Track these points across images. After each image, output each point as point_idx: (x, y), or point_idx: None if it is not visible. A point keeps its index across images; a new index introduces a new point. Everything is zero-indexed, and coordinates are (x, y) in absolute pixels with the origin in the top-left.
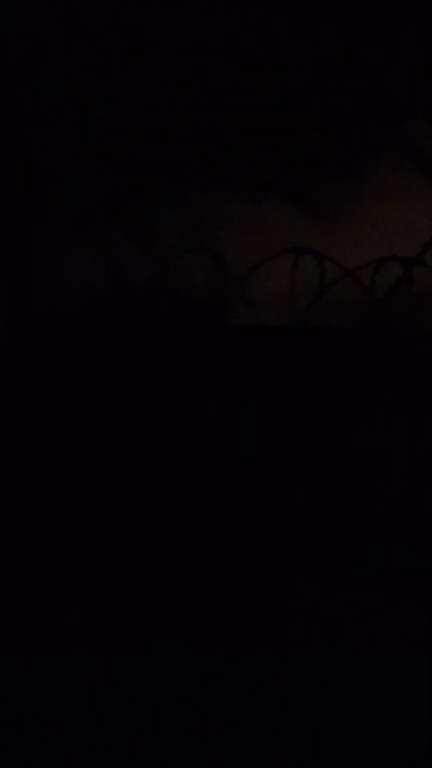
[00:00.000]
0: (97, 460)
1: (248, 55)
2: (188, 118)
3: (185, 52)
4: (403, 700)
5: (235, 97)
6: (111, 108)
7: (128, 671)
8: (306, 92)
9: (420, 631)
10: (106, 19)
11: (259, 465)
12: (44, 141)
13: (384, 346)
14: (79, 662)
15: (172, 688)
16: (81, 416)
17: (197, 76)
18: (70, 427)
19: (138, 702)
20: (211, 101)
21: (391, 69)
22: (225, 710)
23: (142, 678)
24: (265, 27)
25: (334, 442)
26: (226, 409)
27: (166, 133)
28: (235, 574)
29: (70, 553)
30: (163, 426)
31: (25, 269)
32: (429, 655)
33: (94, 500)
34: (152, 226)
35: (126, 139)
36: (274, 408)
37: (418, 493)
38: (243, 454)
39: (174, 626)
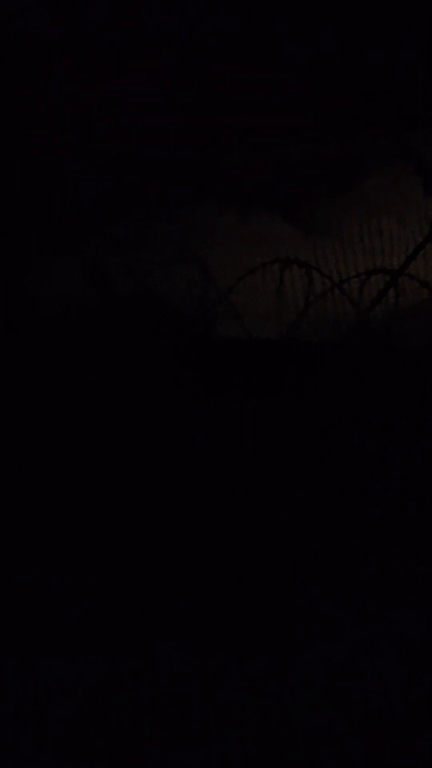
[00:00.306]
0: (93, 464)
1: (248, 55)
2: (183, 120)
3: (186, 52)
4: (403, 701)
5: (233, 98)
6: (104, 114)
7: (128, 671)
8: (306, 92)
9: (420, 633)
10: (107, 19)
11: (251, 472)
12: (34, 148)
13: (371, 358)
14: (79, 662)
15: (172, 688)
16: (70, 426)
17: (196, 76)
18: (60, 437)
19: (138, 702)
20: (209, 103)
21: (391, 69)
22: (225, 710)
23: (142, 678)
24: (265, 27)
25: (323, 454)
26: (215, 421)
27: (157, 140)
28: (235, 575)
29: (70, 554)
30: (154, 433)
31: (15, 277)
32: (429, 657)
33: (92, 502)
34: (140, 237)
35: (118, 148)
36: (262, 420)
37: (411, 501)
38: (235, 462)
39: (174, 626)
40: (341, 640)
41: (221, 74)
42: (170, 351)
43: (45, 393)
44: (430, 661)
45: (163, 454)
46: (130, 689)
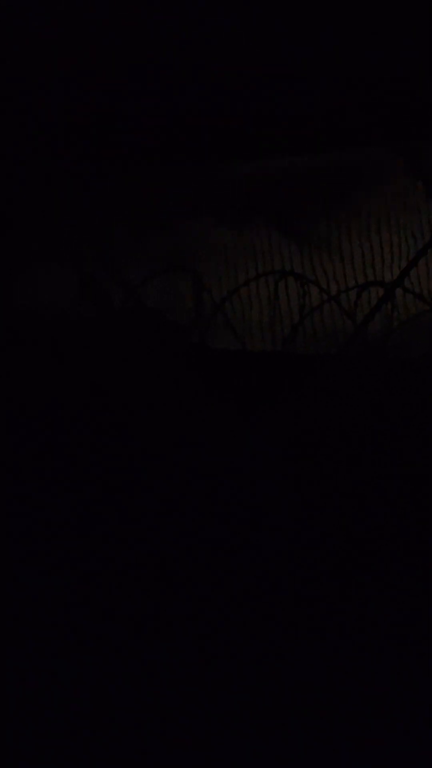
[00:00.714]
0: (89, 471)
1: (248, 55)
2: (180, 123)
3: (186, 52)
4: (403, 705)
5: (231, 99)
6: (101, 119)
7: (128, 671)
8: (305, 95)
9: (421, 637)
10: (106, 19)
11: (247, 483)
12: (29, 155)
13: (366, 371)
14: (79, 662)
15: (172, 688)
16: (61, 436)
17: (195, 79)
18: (53, 446)
19: (138, 702)
20: (208, 105)
21: (391, 69)
22: (225, 710)
23: (142, 677)
24: (265, 27)
25: (319, 467)
26: (209, 434)
27: (154, 147)
28: (236, 576)
29: (70, 555)
30: (147, 444)
31: (4, 286)
32: (429, 660)
33: (90, 506)
34: (134, 247)
35: (114, 156)
36: (257, 433)
37: (410, 513)
38: (230, 473)
39: (174, 626)
40: (341, 642)
41: (220, 75)
42: (163, 362)
43: (37, 401)
44: (430, 664)
45: (156, 465)
46: (130, 689)
